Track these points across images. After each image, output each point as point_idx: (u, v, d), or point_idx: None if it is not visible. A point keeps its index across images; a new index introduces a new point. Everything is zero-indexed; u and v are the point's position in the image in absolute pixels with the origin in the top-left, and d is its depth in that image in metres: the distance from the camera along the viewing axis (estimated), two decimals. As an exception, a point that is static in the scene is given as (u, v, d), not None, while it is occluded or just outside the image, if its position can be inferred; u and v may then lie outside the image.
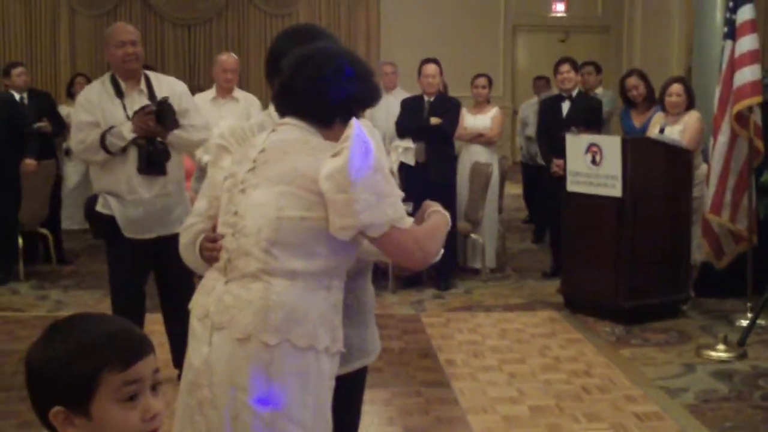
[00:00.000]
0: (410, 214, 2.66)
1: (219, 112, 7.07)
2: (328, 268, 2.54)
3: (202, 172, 6.75)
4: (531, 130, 9.75)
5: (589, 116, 7.91)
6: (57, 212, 8.88)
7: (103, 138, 4.88)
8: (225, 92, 7.25)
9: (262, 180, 2.54)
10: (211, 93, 7.32)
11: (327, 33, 2.99)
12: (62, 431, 1.59)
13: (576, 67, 8.27)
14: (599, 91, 9.39)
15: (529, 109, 10.13)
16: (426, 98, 7.98)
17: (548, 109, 8.32)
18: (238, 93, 7.34)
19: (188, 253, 2.79)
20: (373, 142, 2.48)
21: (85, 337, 1.62)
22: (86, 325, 1.65)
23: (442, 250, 2.67)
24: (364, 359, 2.93)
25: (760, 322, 6.42)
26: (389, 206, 2.47)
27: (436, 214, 2.70)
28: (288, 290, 2.49)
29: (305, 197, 2.47)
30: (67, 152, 9.34)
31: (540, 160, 9.18)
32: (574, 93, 8.14)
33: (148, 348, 1.66)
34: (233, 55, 7.55)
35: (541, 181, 9.13)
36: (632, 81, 7.60)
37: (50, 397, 1.59)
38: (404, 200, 2.62)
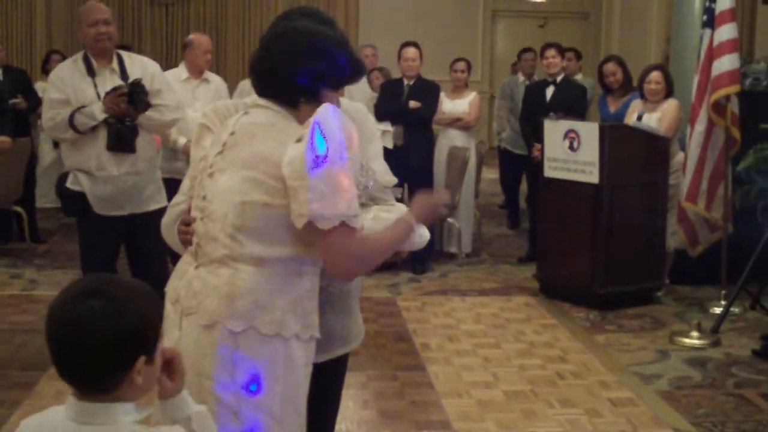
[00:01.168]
0: (398, 200, 2.64)
1: (193, 94, 6.94)
2: (296, 254, 2.46)
3: (173, 153, 6.69)
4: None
5: (573, 102, 7.92)
6: (31, 190, 8.80)
7: (72, 117, 4.87)
8: (198, 74, 7.09)
9: (229, 164, 2.49)
10: (182, 73, 7.04)
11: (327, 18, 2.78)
12: (135, 378, 1.79)
13: (562, 52, 8.26)
14: (579, 77, 9.40)
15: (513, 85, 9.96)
16: (405, 81, 7.97)
17: (532, 94, 8.31)
18: (208, 74, 7.18)
19: (168, 232, 2.76)
20: (340, 130, 2.37)
21: (147, 295, 1.85)
22: (129, 283, 1.87)
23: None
24: (346, 347, 2.90)
25: (734, 309, 6.47)
26: (343, 201, 2.36)
27: (400, 223, 2.59)
28: (254, 276, 2.44)
29: (268, 183, 2.41)
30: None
31: (504, 144, 9.23)
32: (559, 78, 8.14)
33: None
34: (206, 37, 7.43)
35: (509, 167, 9.20)
36: (610, 67, 7.60)
37: (139, 349, 1.78)
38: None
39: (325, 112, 2.39)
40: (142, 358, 1.79)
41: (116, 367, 1.77)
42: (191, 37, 7.24)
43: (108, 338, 1.75)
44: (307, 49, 2.51)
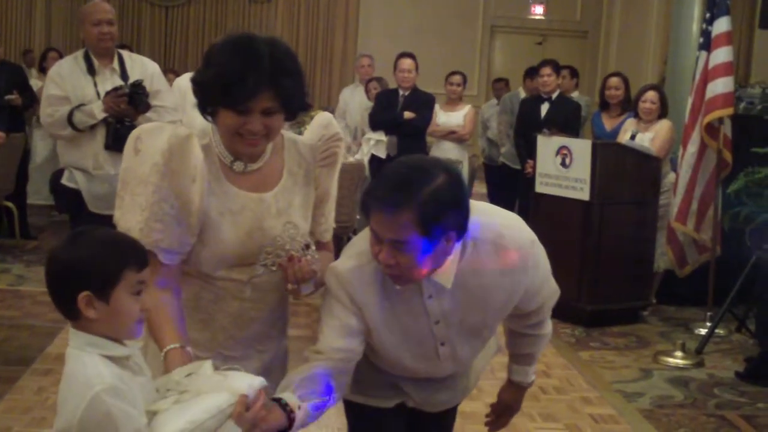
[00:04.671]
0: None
1: None
2: None
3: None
4: (492, 133, 9.76)
5: (567, 119, 7.94)
6: (23, 186, 8.80)
7: (71, 114, 4.88)
8: None
9: None
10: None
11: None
12: (84, 311, 1.97)
13: (558, 70, 8.29)
14: (575, 95, 9.42)
15: (490, 110, 10.08)
16: (401, 92, 7.99)
17: (527, 110, 8.33)
18: None
19: None
20: (160, 148, 2.31)
21: (110, 239, 2.03)
22: (107, 232, 2.07)
23: None
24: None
25: (719, 331, 6.49)
26: (130, 215, 2.34)
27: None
28: None
29: None
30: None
31: (504, 159, 9.22)
32: (554, 95, 8.16)
33: (148, 260, 2.07)
34: None
35: (506, 182, 9.19)
36: (614, 82, 7.60)
37: (80, 285, 1.95)
38: None
39: (151, 127, 2.42)
40: (84, 293, 1.95)
41: (61, 295, 1.99)
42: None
43: (55, 268, 2.00)
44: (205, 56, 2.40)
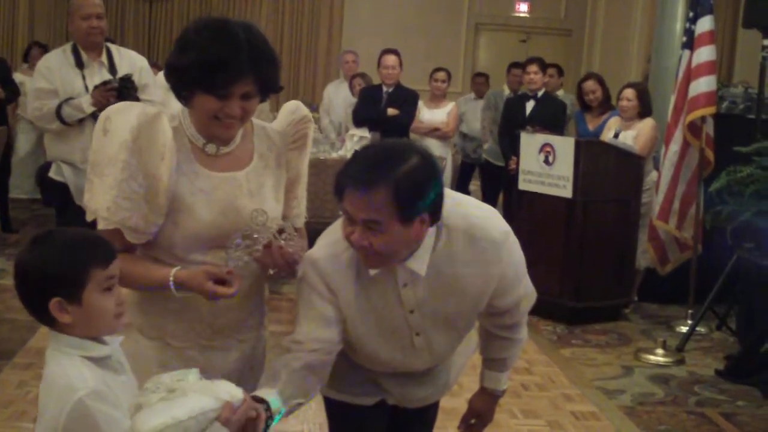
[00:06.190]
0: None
1: None
2: None
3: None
4: (466, 127, 9.77)
5: (552, 117, 7.95)
6: (5, 180, 8.76)
7: (60, 108, 4.87)
8: None
9: None
10: None
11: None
12: (59, 317, 1.97)
13: (544, 68, 8.30)
14: (560, 93, 9.44)
15: (466, 105, 10.07)
16: (384, 89, 7.98)
17: (512, 108, 8.34)
18: None
19: None
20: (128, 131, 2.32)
21: (72, 241, 2.01)
22: (68, 233, 2.05)
23: None
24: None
25: (700, 329, 6.52)
26: (99, 195, 2.38)
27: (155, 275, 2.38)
28: None
29: None
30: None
31: (486, 156, 9.22)
32: (540, 93, 8.17)
33: (115, 252, 2.06)
34: None
35: (484, 176, 9.23)
36: (590, 85, 7.65)
37: (49, 291, 1.95)
38: None
39: (120, 106, 2.42)
40: (55, 300, 1.95)
41: (33, 303, 1.98)
42: None
43: (22, 277, 1.99)
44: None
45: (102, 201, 2.36)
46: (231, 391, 2.09)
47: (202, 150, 2.42)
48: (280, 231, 2.41)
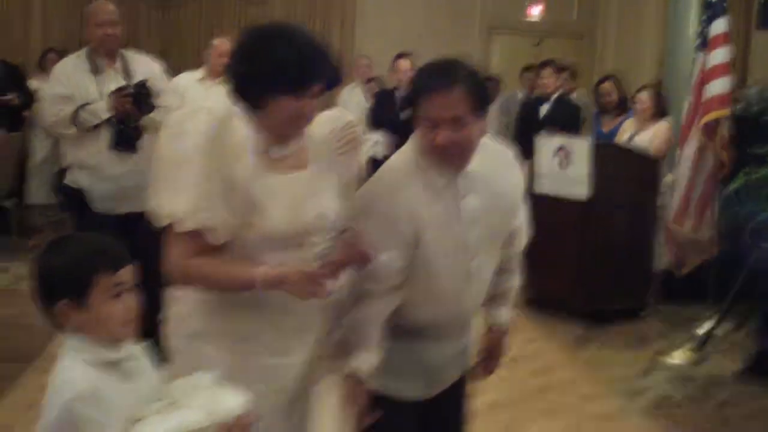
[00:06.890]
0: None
1: (206, 93, 6.92)
2: None
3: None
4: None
5: (566, 120, 7.94)
6: (22, 186, 8.80)
7: (76, 114, 4.88)
8: (215, 75, 7.06)
9: None
10: (198, 73, 7.04)
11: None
12: (64, 321, 2.03)
13: (558, 71, 8.29)
14: (575, 96, 9.43)
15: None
16: (398, 92, 7.99)
17: (527, 111, 8.33)
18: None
19: None
20: (193, 132, 2.38)
21: (82, 249, 2.06)
22: (80, 238, 2.12)
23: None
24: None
25: (719, 331, 6.49)
26: (174, 198, 2.38)
27: (243, 274, 2.40)
28: None
29: None
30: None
31: None
32: (554, 97, 8.17)
33: (128, 259, 2.09)
34: (227, 41, 7.40)
35: None
36: (606, 87, 7.64)
37: (58, 293, 2.01)
38: None
39: (184, 113, 2.48)
40: (62, 302, 2.01)
41: (44, 305, 2.04)
42: (214, 40, 7.23)
43: (34, 279, 2.05)
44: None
45: (178, 203, 2.37)
46: (232, 405, 2.09)
47: (266, 153, 2.44)
48: (344, 231, 2.52)
